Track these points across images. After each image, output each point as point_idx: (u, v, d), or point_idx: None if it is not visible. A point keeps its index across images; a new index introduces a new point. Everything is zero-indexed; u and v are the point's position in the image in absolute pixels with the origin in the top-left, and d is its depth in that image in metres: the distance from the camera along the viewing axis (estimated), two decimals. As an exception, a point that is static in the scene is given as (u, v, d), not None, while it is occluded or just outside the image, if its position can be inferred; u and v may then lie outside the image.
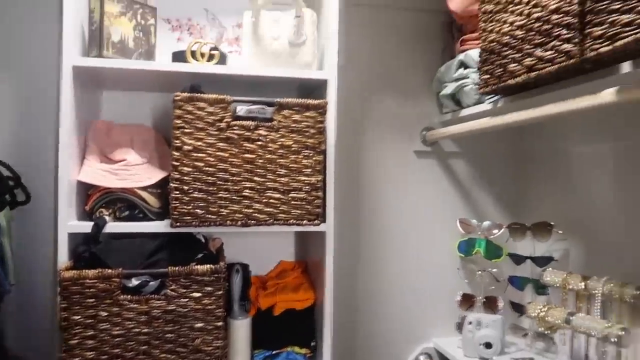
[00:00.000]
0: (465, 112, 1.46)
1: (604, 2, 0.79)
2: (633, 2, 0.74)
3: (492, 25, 1.14)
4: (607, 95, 0.87)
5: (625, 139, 1.31)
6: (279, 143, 1.23)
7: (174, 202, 1.18)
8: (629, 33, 0.75)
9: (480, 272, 1.61)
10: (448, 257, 1.68)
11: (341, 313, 1.56)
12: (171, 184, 1.18)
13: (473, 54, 1.37)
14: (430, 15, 1.67)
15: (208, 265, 1.18)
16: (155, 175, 1.28)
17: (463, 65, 1.44)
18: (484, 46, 1.19)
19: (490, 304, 1.59)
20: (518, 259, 1.55)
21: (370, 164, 1.67)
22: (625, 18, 0.75)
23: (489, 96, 1.30)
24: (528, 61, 1.01)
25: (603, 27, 0.80)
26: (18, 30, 1.46)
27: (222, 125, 1.20)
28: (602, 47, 0.81)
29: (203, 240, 1.36)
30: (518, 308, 1.56)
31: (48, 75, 1.44)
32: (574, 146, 1.50)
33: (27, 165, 1.39)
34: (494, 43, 1.13)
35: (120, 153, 1.30)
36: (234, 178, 1.21)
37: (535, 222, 1.51)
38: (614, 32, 0.78)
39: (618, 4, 0.77)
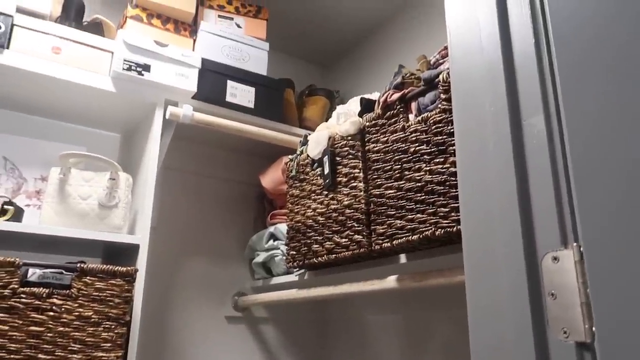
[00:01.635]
0: (275, 280, 1.53)
1: (383, 207, 0.97)
2: (403, 211, 0.92)
3: (298, 208, 1.28)
4: (390, 281, 1.02)
5: (400, 312, 1.51)
6: (76, 314, 1.11)
7: None
8: (402, 235, 0.92)
9: None
10: None
11: None
12: None
13: (282, 228, 1.49)
14: (245, 186, 1.80)
15: None
16: None
17: (273, 237, 1.54)
18: (290, 225, 1.31)
19: None
20: None
21: (178, 330, 1.59)
22: (399, 223, 0.93)
23: (296, 269, 1.40)
24: (328, 244, 1.14)
25: (384, 226, 0.97)
26: None
27: (6, 292, 1.05)
28: (384, 242, 0.97)
29: None
30: None
31: None
32: (368, 315, 1.66)
33: None
34: (300, 224, 1.26)
35: None
36: (12, 357, 1.03)
37: (338, 389, 1.57)
38: (392, 232, 0.95)
39: (393, 211, 0.95)
